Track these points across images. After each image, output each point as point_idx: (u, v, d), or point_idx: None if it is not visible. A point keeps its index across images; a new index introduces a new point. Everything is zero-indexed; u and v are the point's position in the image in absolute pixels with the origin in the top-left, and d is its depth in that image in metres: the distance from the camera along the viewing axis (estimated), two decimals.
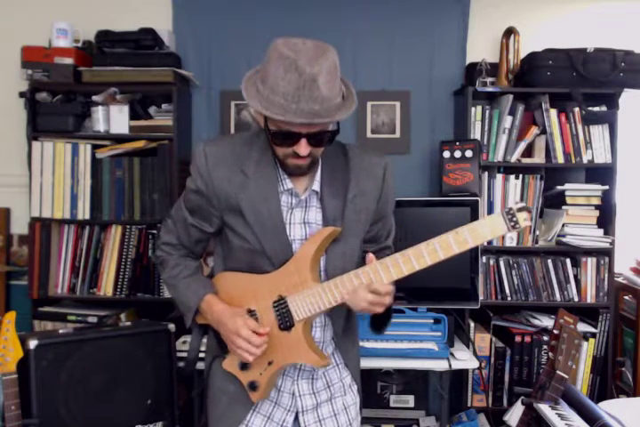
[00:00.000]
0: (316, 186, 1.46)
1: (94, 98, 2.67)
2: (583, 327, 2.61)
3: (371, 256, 1.38)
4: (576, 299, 2.66)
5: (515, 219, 1.27)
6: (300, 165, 1.39)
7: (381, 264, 1.35)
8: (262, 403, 1.54)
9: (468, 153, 2.58)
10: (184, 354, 2.28)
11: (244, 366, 1.48)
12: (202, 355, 1.65)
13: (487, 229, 1.29)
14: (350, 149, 1.53)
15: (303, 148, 1.33)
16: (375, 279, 1.35)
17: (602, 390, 2.66)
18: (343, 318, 1.54)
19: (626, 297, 2.73)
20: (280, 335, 1.44)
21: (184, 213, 1.53)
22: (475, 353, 2.53)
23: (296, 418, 1.54)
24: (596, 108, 2.71)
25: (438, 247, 1.31)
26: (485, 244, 2.64)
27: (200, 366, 1.70)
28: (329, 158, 1.48)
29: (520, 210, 1.27)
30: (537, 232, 2.68)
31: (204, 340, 1.64)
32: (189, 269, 1.56)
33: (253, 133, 1.50)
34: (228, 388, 1.53)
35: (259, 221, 1.43)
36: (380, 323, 1.52)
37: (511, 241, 2.67)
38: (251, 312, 1.46)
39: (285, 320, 1.43)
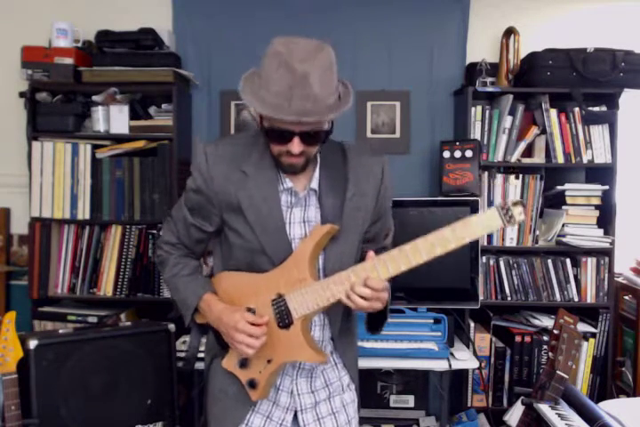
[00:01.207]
0: (315, 184, 1.47)
1: (94, 98, 2.67)
2: (583, 327, 2.61)
3: (370, 253, 1.39)
4: (576, 299, 2.66)
5: (510, 213, 1.28)
6: (293, 163, 1.40)
7: (379, 260, 1.36)
8: (261, 402, 1.54)
9: (468, 153, 2.58)
10: (184, 354, 2.28)
11: (244, 364, 1.48)
12: (201, 355, 1.66)
13: (483, 225, 1.30)
14: (348, 148, 1.54)
15: (296, 146, 1.35)
16: (372, 276, 1.35)
17: (602, 390, 2.66)
18: (341, 318, 1.54)
19: (626, 297, 2.73)
20: (279, 333, 1.44)
21: (184, 212, 1.54)
22: (475, 353, 2.53)
23: (295, 417, 1.54)
24: (596, 108, 2.71)
25: (435, 243, 1.31)
26: (485, 244, 2.65)
27: (200, 366, 1.70)
28: (327, 157, 1.49)
29: (515, 204, 1.28)
30: (537, 232, 2.68)
31: (204, 340, 1.64)
32: (189, 268, 1.57)
33: (254, 134, 1.51)
34: (228, 388, 1.53)
35: (258, 219, 1.44)
36: (376, 323, 1.53)
37: (511, 241, 2.67)
38: (250, 310, 1.46)
39: (284, 318, 1.43)
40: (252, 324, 1.40)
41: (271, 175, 1.45)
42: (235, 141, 1.52)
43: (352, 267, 1.38)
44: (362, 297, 1.34)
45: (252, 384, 1.48)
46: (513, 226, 1.32)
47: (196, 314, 1.55)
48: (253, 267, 1.47)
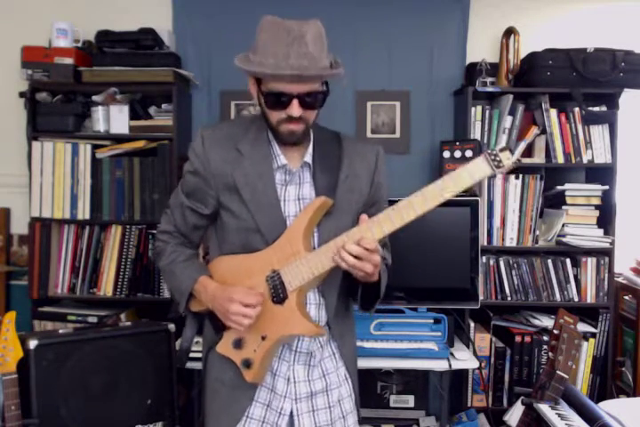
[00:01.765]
0: (308, 158, 1.50)
1: (94, 98, 2.67)
2: (583, 327, 2.61)
3: (363, 216, 1.40)
4: (576, 299, 2.66)
5: (498, 158, 1.30)
6: (293, 130, 1.43)
7: (372, 222, 1.37)
8: (259, 391, 1.53)
9: (468, 153, 2.58)
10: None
11: (238, 344, 1.48)
12: (197, 355, 1.66)
13: (471, 172, 1.31)
14: (344, 137, 1.58)
15: (295, 108, 1.38)
16: (366, 236, 1.36)
17: (602, 390, 2.66)
18: (337, 299, 1.54)
19: (626, 297, 2.73)
20: (273, 309, 1.44)
21: (181, 197, 1.57)
22: (475, 353, 2.53)
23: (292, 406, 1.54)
24: (596, 108, 2.71)
25: (427, 196, 1.33)
26: (485, 244, 2.65)
27: (198, 365, 1.70)
28: (322, 138, 1.53)
29: (502, 150, 1.30)
30: (537, 232, 2.68)
31: (198, 339, 1.64)
32: (185, 255, 1.59)
33: (249, 119, 1.58)
34: (224, 376, 1.53)
35: (254, 196, 1.47)
36: (369, 300, 1.53)
37: (511, 241, 2.67)
38: None
39: (279, 292, 1.43)
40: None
41: (266, 153, 1.49)
42: (231, 123, 1.60)
43: (345, 232, 1.39)
44: (352, 255, 1.34)
45: (247, 364, 1.46)
46: (502, 171, 1.33)
47: (192, 301, 1.55)
48: (248, 247, 1.48)
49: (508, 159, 1.30)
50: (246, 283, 1.46)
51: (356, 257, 1.34)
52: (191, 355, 1.67)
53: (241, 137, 1.51)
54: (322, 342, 1.56)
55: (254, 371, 1.47)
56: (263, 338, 1.45)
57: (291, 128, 1.43)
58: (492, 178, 2.68)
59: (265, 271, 1.45)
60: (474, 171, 1.31)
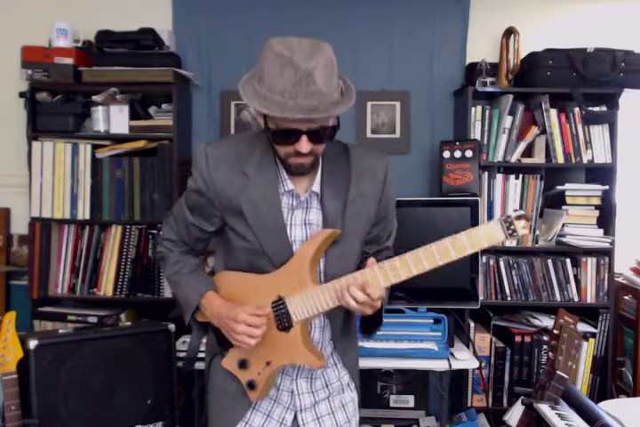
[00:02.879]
0: (316, 187, 1.46)
1: (94, 98, 2.67)
2: (583, 327, 2.61)
3: (371, 260, 1.38)
4: (576, 299, 2.66)
5: (512, 227, 1.27)
6: (302, 163, 1.39)
7: (380, 268, 1.35)
8: (262, 401, 1.54)
9: (468, 153, 2.58)
10: (184, 354, 2.28)
11: (243, 364, 1.49)
12: (202, 355, 1.66)
13: (484, 237, 1.29)
14: (352, 149, 1.52)
15: (304, 145, 1.33)
16: (372, 282, 1.35)
17: (602, 390, 2.66)
18: (341, 320, 1.54)
19: (626, 297, 2.73)
20: (278, 335, 1.44)
21: (185, 212, 1.53)
22: (475, 353, 2.53)
23: (295, 417, 1.54)
24: (596, 108, 2.71)
25: (436, 253, 1.31)
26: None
27: (200, 365, 1.70)
28: (330, 159, 1.48)
29: (518, 218, 1.27)
30: (537, 232, 2.68)
31: (204, 340, 1.64)
32: (190, 265, 1.57)
33: (254, 134, 1.50)
34: (229, 387, 1.54)
35: (260, 222, 1.44)
36: (370, 326, 1.52)
37: (511, 241, 2.67)
38: None
39: (284, 321, 1.43)
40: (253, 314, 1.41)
41: (272, 177, 1.45)
42: (235, 142, 1.51)
43: (353, 273, 1.38)
44: (355, 299, 1.33)
45: (252, 385, 1.48)
46: (515, 239, 1.31)
47: (198, 312, 1.54)
48: (254, 268, 1.47)
49: (522, 228, 1.27)
50: (252, 303, 1.46)
51: (358, 302, 1.34)
52: None
53: (246, 158, 1.45)
54: (325, 354, 1.55)
55: (258, 392, 1.49)
56: (267, 363, 1.46)
57: (299, 162, 1.39)
58: (492, 178, 2.68)
59: (271, 295, 1.45)
60: (487, 235, 1.29)
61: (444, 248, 1.30)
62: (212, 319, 1.51)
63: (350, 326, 1.61)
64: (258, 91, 1.31)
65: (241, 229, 1.46)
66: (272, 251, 1.44)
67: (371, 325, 1.51)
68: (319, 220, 1.47)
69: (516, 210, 1.34)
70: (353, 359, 1.63)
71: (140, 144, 2.65)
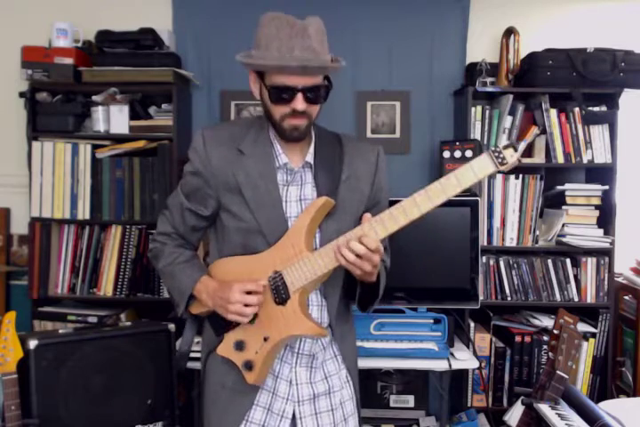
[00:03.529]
0: (310, 158, 1.50)
1: (94, 98, 2.67)
2: (583, 327, 2.61)
3: (367, 215, 1.39)
4: (576, 299, 2.66)
5: (502, 155, 1.30)
6: (297, 125, 1.43)
7: (375, 220, 1.36)
8: (260, 395, 1.53)
9: (468, 153, 2.58)
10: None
11: (240, 345, 1.47)
12: (197, 355, 1.65)
13: (475, 170, 1.31)
14: (344, 137, 1.58)
15: (300, 102, 1.39)
16: (368, 234, 1.35)
17: (602, 390, 2.66)
18: (338, 300, 1.54)
19: (626, 297, 2.73)
20: (276, 310, 1.43)
21: (180, 198, 1.55)
22: (475, 353, 2.53)
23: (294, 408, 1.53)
24: (596, 108, 2.71)
25: (430, 194, 1.33)
26: (485, 244, 2.65)
27: (198, 365, 1.70)
28: (322, 138, 1.53)
29: (506, 147, 1.30)
30: (537, 232, 2.68)
31: (198, 339, 1.63)
32: (185, 256, 1.58)
33: (250, 120, 1.58)
34: (226, 379, 1.53)
35: (256, 196, 1.46)
36: (367, 300, 1.53)
37: (511, 241, 2.67)
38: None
39: (281, 293, 1.43)
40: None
41: (267, 152, 1.49)
42: (231, 124, 1.59)
43: (349, 231, 1.38)
44: (353, 252, 1.34)
45: (248, 366, 1.46)
46: (505, 169, 1.32)
47: (192, 303, 1.54)
48: (249, 249, 1.48)
49: (511, 156, 1.30)
50: None
51: (356, 255, 1.34)
52: (191, 355, 1.67)
53: (242, 137, 1.50)
54: (324, 343, 1.56)
55: (256, 373, 1.46)
56: (265, 339, 1.44)
57: (294, 123, 1.42)
58: (492, 178, 2.68)
59: (267, 272, 1.44)
60: (477, 168, 1.30)
61: (436, 189, 1.33)
62: (206, 302, 1.50)
63: (347, 309, 1.61)
64: (255, 55, 1.40)
65: (236, 208, 1.48)
66: (267, 227, 1.45)
67: (368, 299, 1.52)
68: (314, 195, 1.49)
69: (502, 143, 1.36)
70: (351, 347, 1.63)
71: (140, 144, 2.66)
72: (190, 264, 1.56)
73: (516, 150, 1.30)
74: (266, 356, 1.45)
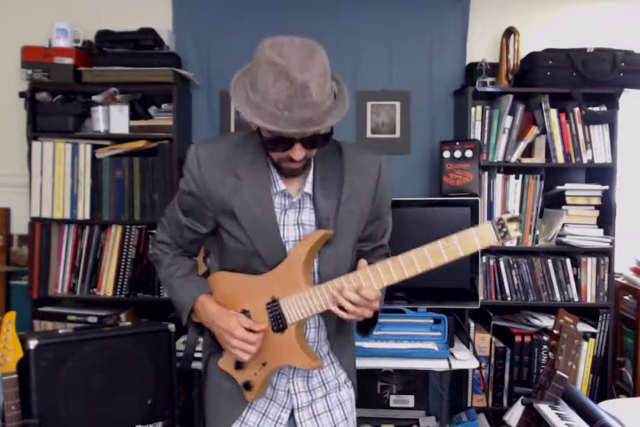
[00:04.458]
0: (308, 188, 1.46)
1: (94, 98, 2.67)
2: (583, 327, 2.61)
3: (362, 262, 1.38)
4: (576, 299, 2.66)
5: (505, 229, 1.27)
6: (294, 168, 1.40)
7: (372, 270, 1.35)
8: (258, 400, 1.54)
9: (468, 153, 2.58)
10: (181, 353, 2.28)
11: (239, 365, 1.49)
12: (198, 355, 1.66)
13: (477, 239, 1.28)
14: (345, 148, 1.52)
15: (298, 152, 1.34)
16: (365, 285, 1.35)
17: (602, 390, 2.66)
18: (336, 319, 1.53)
19: (626, 297, 2.73)
20: (274, 337, 1.45)
21: (178, 214, 1.53)
22: (475, 353, 2.53)
23: (291, 415, 1.54)
24: (596, 108, 2.71)
25: (428, 256, 1.31)
26: None
27: (198, 365, 1.70)
28: (323, 159, 1.48)
29: (510, 220, 1.27)
30: (537, 232, 2.68)
31: (201, 339, 1.64)
32: (184, 268, 1.57)
33: (246, 135, 1.49)
34: (225, 384, 1.54)
35: (252, 223, 1.44)
36: (367, 325, 1.52)
37: (511, 241, 2.67)
38: (245, 313, 1.46)
39: (278, 322, 1.44)
40: (249, 329, 1.41)
41: (264, 178, 1.44)
42: (227, 141, 1.50)
43: (346, 275, 1.38)
44: (350, 301, 1.34)
45: (248, 386, 1.49)
46: (507, 241, 1.31)
47: (193, 313, 1.55)
48: (248, 269, 1.47)
49: (514, 231, 1.27)
50: (246, 305, 1.46)
51: (354, 304, 1.34)
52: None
53: (238, 158, 1.44)
54: (321, 354, 1.56)
55: (255, 392, 1.49)
56: (263, 364, 1.47)
57: (292, 166, 1.39)
58: (492, 178, 2.68)
59: (265, 296, 1.45)
60: (480, 237, 1.28)
61: (437, 251, 1.30)
62: (205, 324, 1.51)
63: (346, 325, 1.60)
64: (251, 99, 1.29)
65: (234, 231, 1.46)
66: (265, 252, 1.44)
67: (367, 324, 1.51)
68: (312, 220, 1.47)
69: (507, 212, 1.33)
70: (350, 358, 1.63)
71: (140, 144, 2.65)
72: (189, 279, 1.55)
73: (520, 223, 1.28)
74: (264, 378, 1.48)
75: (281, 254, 1.44)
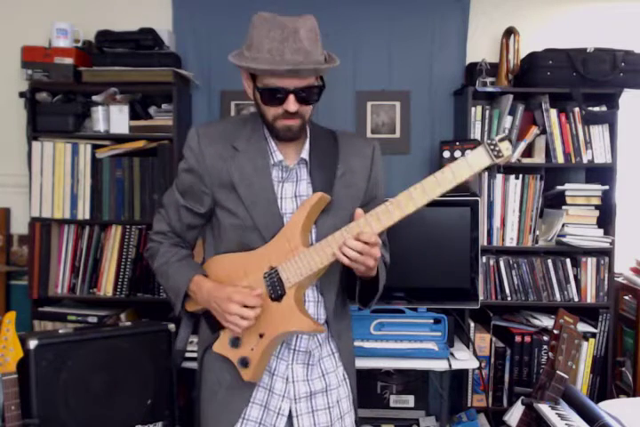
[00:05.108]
0: (305, 154, 1.50)
1: (94, 98, 2.67)
2: (583, 327, 2.61)
3: (359, 211, 1.39)
4: (576, 299, 2.66)
5: (497, 148, 1.29)
6: (290, 125, 1.43)
7: (371, 215, 1.36)
8: (257, 392, 1.52)
9: (468, 153, 2.58)
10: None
11: (235, 342, 1.46)
12: (193, 355, 1.65)
13: (471, 163, 1.30)
14: (339, 133, 1.58)
15: (292, 104, 1.39)
16: (365, 230, 1.35)
17: (602, 390, 2.66)
18: (335, 295, 1.53)
19: (626, 297, 2.73)
20: (271, 306, 1.43)
21: (175, 195, 1.56)
22: (475, 353, 2.53)
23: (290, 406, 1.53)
24: (596, 108, 2.71)
25: (427, 189, 1.33)
26: (485, 244, 2.65)
27: (194, 365, 1.69)
28: (317, 135, 1.53)
29: (502, 140, 1.29)
30: (537, 232, 2.68)
31: (194, 339, 1.63)
32: (179, 255, 1.57)
33: (245, 117, 1.57)
34: (222, 377, 1.53)
35: (250, 193, 1.46)
36: (367, 296, 1.53)
37: (511, 241, 2.67)
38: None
39: (276, 289, 1.42)
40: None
41: (262, 149, 1.49)
42: (226, 121, 1.58)
43: (344, 227, 1.38)
44: (354, 249, 1.34)
45: (244, 362, 1.45)
46: (501, 162, 1.32)
47: (188, 301, 1.54)
48: (244, 246, 1.47)
49: (507, 149, 1.28)
50: (243, 281, 1.45)
51: (358, 252, 1.34)
52: (188, 355, 1.67)
53: (237, 134, 1.51)
54: (320, 340, 1.55)
55: (252, 370, 1.45)
56: (261, 336, 1.44)
57: (287, 123, 1.42)
58: (492, 178, 2.68)
59: (262, 269, 1.44)
60: (472, 161, 1.30)
61: (434, 182, 1.33)
62: (202, 303, 1.50)
63: (344, 305, 1.60)
64: (246, 56, 1.39)
65: (231, 205, 1.47)
66: (263, 224, 1.45)
67: (368, 294, 1.52)
68: (309, 192, 1.49)
69: (498, 135, 1.35)
70: (348, 345, 1.62)
71: (140, 144, 2.65)
72: (184, 263, 1.56)
73: (511, 143, 1.30)
74: (262, 353, 1.44)
75: (278, 227, 1.45)
